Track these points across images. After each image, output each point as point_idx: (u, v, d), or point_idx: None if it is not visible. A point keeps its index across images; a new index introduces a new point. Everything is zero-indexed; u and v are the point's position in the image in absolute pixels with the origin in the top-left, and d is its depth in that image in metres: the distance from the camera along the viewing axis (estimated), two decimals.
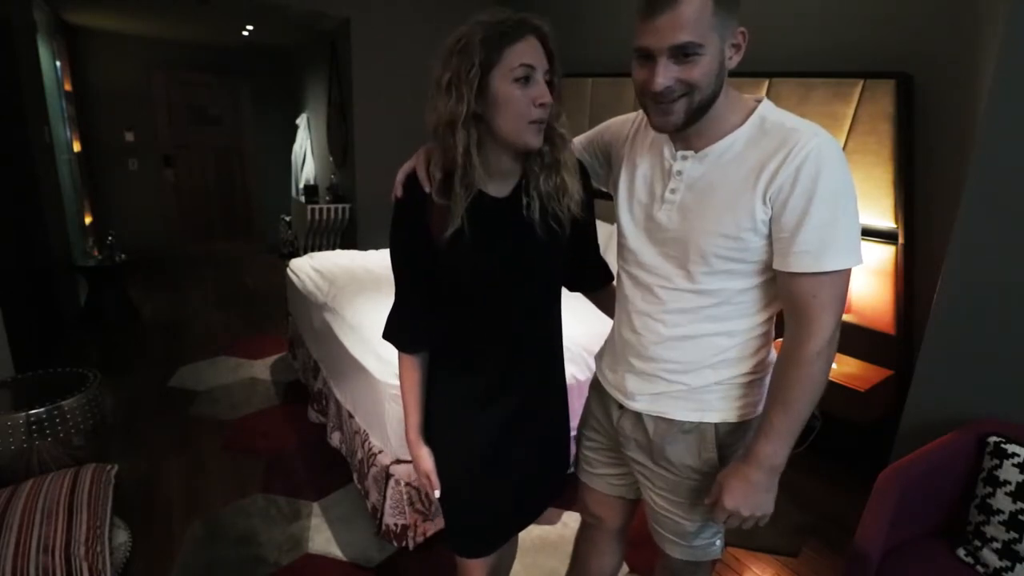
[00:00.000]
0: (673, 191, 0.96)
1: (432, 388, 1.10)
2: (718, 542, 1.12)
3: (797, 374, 0.91)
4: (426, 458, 1.09)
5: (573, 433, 1.29)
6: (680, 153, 0.96)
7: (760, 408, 1.02)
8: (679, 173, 0.96)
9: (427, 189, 0.97)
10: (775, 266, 0.90)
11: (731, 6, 0.86)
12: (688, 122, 0.90)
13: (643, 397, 1.05)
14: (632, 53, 0.90)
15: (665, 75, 0.86)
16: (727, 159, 0.92)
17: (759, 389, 1.02)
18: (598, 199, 1.16)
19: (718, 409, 1.00)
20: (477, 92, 0.91)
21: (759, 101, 0.94)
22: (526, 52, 0.91)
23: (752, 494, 0.94)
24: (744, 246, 0.91)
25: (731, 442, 1.01)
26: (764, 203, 0.88)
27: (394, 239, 1.04)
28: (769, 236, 0.90)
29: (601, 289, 1.23)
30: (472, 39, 0.90)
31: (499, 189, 1.01)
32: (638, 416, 1.07)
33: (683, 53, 0.84)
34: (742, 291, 0.95)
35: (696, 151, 0.95)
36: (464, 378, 1.07)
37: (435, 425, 1.11)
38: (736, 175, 0.90)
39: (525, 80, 0.91)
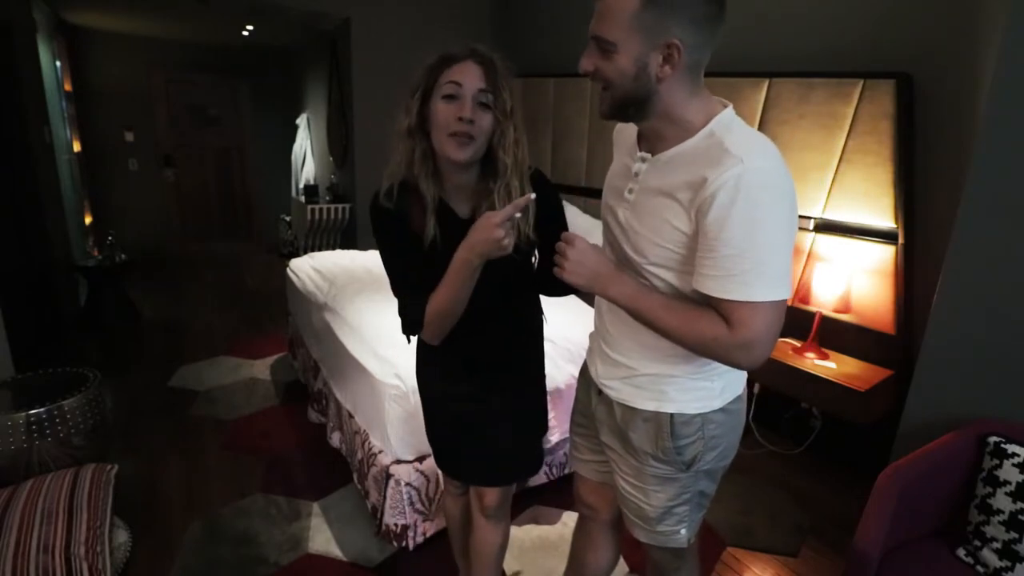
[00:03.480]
0: (631, 191, 0.99)
1: (424, 360, 1.32)
2: (683, 531, 1.13)
3: (695, 316, 0.89)
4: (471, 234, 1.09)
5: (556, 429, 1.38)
6: (640, 155, 0.98)
7: (717, 404, 1.04)
8: (636, 175, 0.99)
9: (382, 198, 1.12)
10: (692, 282, 0.91)
11: (664, 12, 0.82)
12: (616, 115, 0.94)
13: (611, 383, 1.10)
14: None
15: (587, 59, 0.91)
16: (669, 168, 0.93)
17: (717, 384, 1.04)
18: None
19: (674, 400, 1.03)
20: (424, 113, 1.06)
21: (725, 105, 0.93)
22: (456, 72, 1.03)
23: (588, 265, 0.96)
24: (672, 255, 0.93)
25: (688, 433, 1.03)
26: (689, 218, 0.88)
27: (384, 244, 1.17)
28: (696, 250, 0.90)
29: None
30: (423, 67, 1.06)
31: (461, 207, 1.15)
32: (610, 402, 1.11)
33: (601, 47, 0.87)
34: (685, 295, 0.96)
35: (653, 155, 0.96)
36: (447, 354, 1.24)
37: (422, 382, 1.34)
38: (672, 185, 0.91)
39: (451, 97, 1.03)
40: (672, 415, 1.03)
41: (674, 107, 0.90)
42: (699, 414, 1.03)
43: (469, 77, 1.03)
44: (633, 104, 0.90)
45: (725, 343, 0.87)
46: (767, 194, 0.82)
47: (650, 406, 1.04)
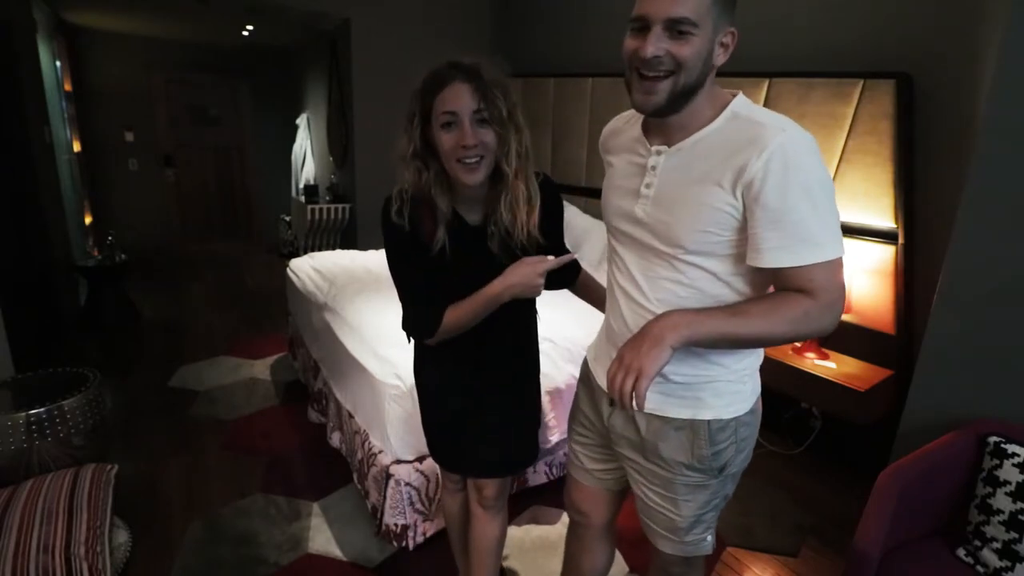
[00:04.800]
0: (648, 186, 0.99)
1: (425, 356, 1.32)
2: (709, 538, 1.12)
3: (773, 305, 0.88)
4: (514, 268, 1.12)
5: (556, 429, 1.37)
6: (655, 148, 0.98)
7: (747, 405, 1.03)
8: (653, 168, 0.98)
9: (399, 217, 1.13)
10: (749, 261, 0.90)
11: (728, 3, 0.88)
12: (670, 105, 0.91)
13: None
14: (628, 24, 0.91)
15: (656, 45, 0.87)
16: (696, 154, 0.93)
17: (748, 386, 1.03)
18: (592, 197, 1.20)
19: (710, 406, 1.01)
20: (426, 137, 1.08)
21: (734, 95, 0.95)
22: (448, 99, 1.03)
23: (639, 341, 0.87)
24: (715, 239, 0.92)
25: (723, 438, 1.02)
26: (734, 197, 0.88)
27: (395, 257, 1.19)
28: (741, 231, 0.90)
29: (571, 285, 1.39)
30: (416, 89, 1.07)
31: (471, 215, 1.17)
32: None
33: (678, 28, 0.85)
34: (721, 283, 0.96)
35: (670, 146, 0.96)
36: (450, 352, 1.25)
37: (419, 377, 1.36)
38: (704, 169, 0.91)
39: (449, 125, 1.04)
40: (709, 422, 1.00)
41: (703, 96, 0.92)
42: (733, 418, 1.01)
43: (461, 101, 1.03)
44: (691, 92, 0.90)
45: (815, 314, 0.87)
46: (813, 157, 0.85)
47: (684, 414, 1.01)
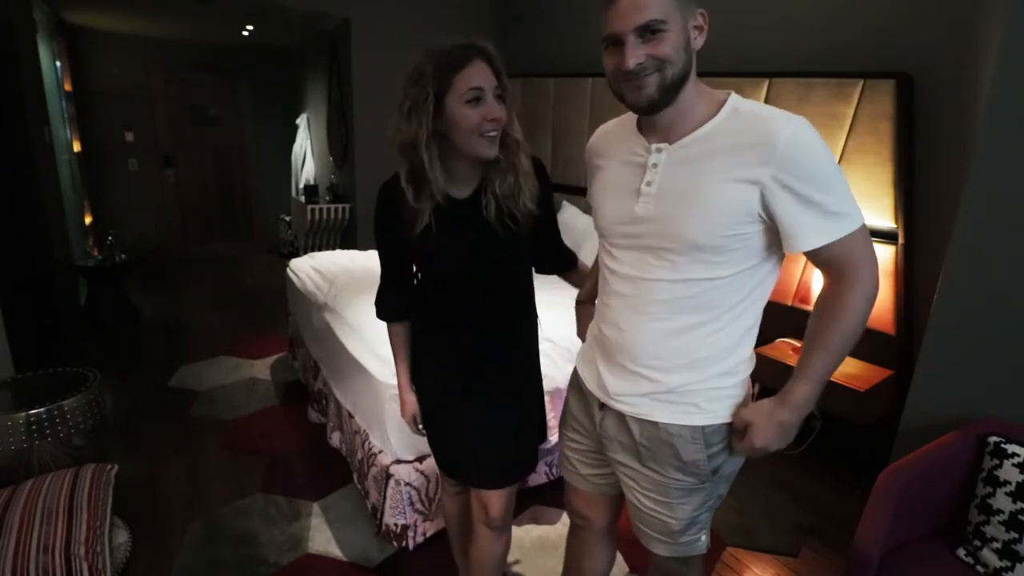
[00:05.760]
0: (649, 183, 0.98)
1: (420, 349, 1.34)
2: (703, 537, 1.12)
3: (839, 321, 0.93)
4: (413, 403, 1.37)
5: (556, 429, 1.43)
6: (655, 146, 0.98)
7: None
8: (655, 166, 0.98)
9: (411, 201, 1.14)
10: (787, 250, 0.93)
11: None
12: (662, 97, 0.92)
13: (627, 398, 1.04)
14: (602, 45, 0.94)
15: (634, 54, 0.89)
16: (703, 149, 0.93)
17: (743, 389, 1.03)
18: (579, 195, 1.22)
19: (704, 411, 1.00)
20: (435, 115, 1.07)
21: (728, 94, 0.96)
22: (474, 76, 1.06)
23: (780, 433, 0.97)
24: (724, 233, 0.92)
25: (717, 441, 1.02)
26: (752, 191, 0.89)
27: (376, 234, 1.26)
28: (755, 224, 0.91)
29: (569, 271, 1.42)
30: (425, 70, 1.06)
31: (461, 191, 1.18)
32: (621, 417, 1.06)
33: (649, 30, 0.88)
34: (722, 281, 0.95)
35: (671, 143, 0.96)
36: (444, 343, 1.28)
37: (420, 376, 1.36)
38: (714, 164, 0.91)
39: (476, 100, 1.06)
40: (703, 427, 1.00)
41: (691, 89, 0.94)
42: (726, 422, 1.01)
43: (485, 77, 1.07)
44: (680, 82, 0.92)
45: (870, 291, 0.92)
46: (819, 139, 0.89)
47: (679, 419, 1.00)
